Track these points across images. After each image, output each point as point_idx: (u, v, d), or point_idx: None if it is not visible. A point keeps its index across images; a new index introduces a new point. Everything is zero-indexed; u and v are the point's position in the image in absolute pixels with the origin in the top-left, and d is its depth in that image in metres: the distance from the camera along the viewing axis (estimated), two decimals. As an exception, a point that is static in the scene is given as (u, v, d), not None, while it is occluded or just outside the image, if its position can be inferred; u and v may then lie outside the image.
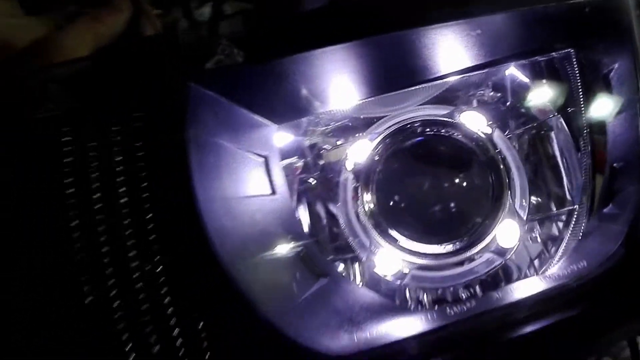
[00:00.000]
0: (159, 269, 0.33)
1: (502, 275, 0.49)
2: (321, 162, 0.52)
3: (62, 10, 0.50)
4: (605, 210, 0.41)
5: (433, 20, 0.39)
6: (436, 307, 0.44)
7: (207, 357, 0.32)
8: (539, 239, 0.49)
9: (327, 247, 0.49)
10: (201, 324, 0.32)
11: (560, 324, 0.37)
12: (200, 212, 0.34)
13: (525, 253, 0.49)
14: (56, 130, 0.35)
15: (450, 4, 0.40)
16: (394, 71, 0.43)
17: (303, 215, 0.50)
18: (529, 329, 0.37)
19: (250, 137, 0.41)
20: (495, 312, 0.39)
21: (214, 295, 0.33)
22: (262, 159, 0.42)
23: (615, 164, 0.41)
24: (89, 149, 0.35)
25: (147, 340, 0.33)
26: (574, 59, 0.44)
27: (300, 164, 0.52)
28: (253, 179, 0.41)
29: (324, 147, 0.52)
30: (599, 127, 0.43)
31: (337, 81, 0.42)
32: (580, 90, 0.44)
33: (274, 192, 0.42)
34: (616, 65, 0.40)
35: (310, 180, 0.52)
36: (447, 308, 0.39)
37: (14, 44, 0.46)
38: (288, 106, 0.42)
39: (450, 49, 0.42)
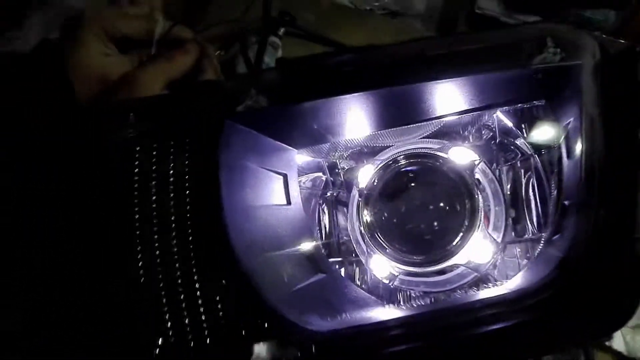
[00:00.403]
0: (189, 258, 0.46)
1: (481, 285, 0.58)
2: (340, 180, 0.64)
3: (145, 49, 0.64)
4: (554, 238, 0.49)
5: (433, 77, 0.49)
6: (415, 300, 0.54)
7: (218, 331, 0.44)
8: (516, 259, 0.58)
9: (335, 249, 0.60)
10: (217, 303, 0.45)
11: (503, 329, 0.46)
12: (224, 216, 0.46)
13: (504, 269, 0.58)
14: (129, 150, 0.49)
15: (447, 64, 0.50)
16: (399, 111, 0.54)
17: (320, 222, 0.62)
18: (482, 328, 0.47)
19: (272, 159, 0.53)
20: (457, 309, 0.49)
21: (228, 280, 0.45)
22: (281, 176, 0.54)
23: (565, 202, 0.49)
24: (151, 165, 0.48)
25: (177, 312, 0.46)
26: (547, 109, 0.53)
27: (323, 179, 0.64)
28: (272, 191, 0.53)
29: (343, 166, 0.64)
30: (559, 169, 0.51)
31: (349, 119, 0.53)
32: (549, 135, 0.53)
33: (289, 203, 0.54)
34: (572, 120, 0.49)
35: (329, 194, 0.63)
36: (419, 301, 0.50)
37: (109, 78, 0.60)
38: (306, 137, 0.54)
39: (446, 97, 0.52)
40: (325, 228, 0.61)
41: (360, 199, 0.57)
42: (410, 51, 0.48)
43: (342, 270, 0.59)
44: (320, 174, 0.63)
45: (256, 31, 0.76)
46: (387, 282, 0.56)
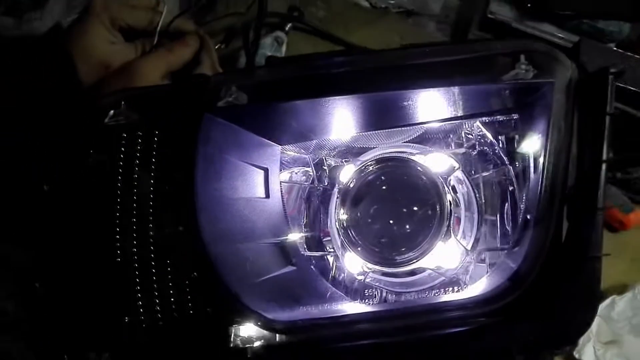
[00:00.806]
0: (163, 241, 0.49)
1: (451, 289, 0.60)
2: (325, 176, 0.66)
3: (147, 39, 0.67)
4: (514, 249, 0.51)
5: (412, 85, 0.51)
6: (378, 297, 0.57)
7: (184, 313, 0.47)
8: (486, 266, 0.59)
9: (314, 244, 0.63)
10: (185, 287, 0.48)
11: (458, 332, 0.48)
12: (196, 204, 0.49)
13: (474, 274, 0.59)
14: (118, 134, 0.53)
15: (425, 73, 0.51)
16: (380, 116, 0.56)
17: (301, 216, 0.64)
18: (438, 331, 0.49)
19: (254, 153, 0.56)
20: (415, 309, 0.51)
21: (196, 265, 0.48)
22: (262, 171, 0.57)
23: (528, 215, 0.50)
24: (135, 152, 0.51)
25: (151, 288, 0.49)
26: (520, 123, 0.54)
27: (311, 173, 0.66)
28: (251, 185, 0.55)
29: (330, 163, 0.66)
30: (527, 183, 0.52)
31: (329, 120, 0.55)
32: (522, 148, 0.54)
33: (267, 197, 0.57)
34: (540, 135, 0.50)
35: (314, 189, 0.66)
36: (380, 299, 0.52)
37: (112, 65, 0.64)
38: (287, 134, 0.57)
39: (425, 105, 0.54)
40: (307, 223, 0.64)
41: (339, 195, 0.60)
42: (393, 59, 0.50)
43: (319, 265, 0.61)
44: (307, 168, 0.66)
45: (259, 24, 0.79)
46: (358, 278, 0.59)
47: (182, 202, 0.49)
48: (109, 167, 0.52)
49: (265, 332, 0.49)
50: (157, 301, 0.50)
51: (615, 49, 0.89)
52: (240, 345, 0.49)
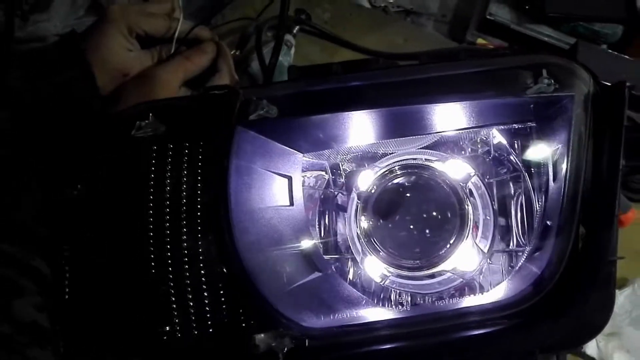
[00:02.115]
0: (197, 255, 0.50)
1: (467, 290, 0.62)
2: (341, 181, 0.67)
3: (164, 46, 0.67)
4: (534, 254, 0.53)
5: (434, 100, 0.52)
6: (404, 303, 0.59)
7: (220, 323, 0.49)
8: (501, 267, 0.62)
9: (332, 248, 0.65)
10: (220, 297, 0.49)
11: (483, 335, 0.51)
12: (231, 217, 0.50)
13: (489, 276, 0.62)
14: (147, 147, 0.53)
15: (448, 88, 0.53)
16: (401, 126, 0.57)
17: (319, 221, 0.66)
18: (461, 333, 0.51)
19: (278, 162, 0.57)
20: (440, 314, 0.53)
21: (232, 277, 0.50)
22: (286, 179, 0.58)
23: (548, 222, 0.53)
24: (166, 164, 0.52)
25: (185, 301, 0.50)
26: (539, 132, 0.56)
27: (326, 177, 0.67)
28: (276, 193, 0.57)
29: (345, 168, 0.67)
30: (546, 190, 0.55)
31: (354, 130, 0.56)
32: (540, 160, 0.56)
33: (292, 204, 0.58)
34: (560, 146, 0.52)
35: (330, 193, 0.67)
36: (408, 305, 0.54)
37: (129, 72, 0.64)
38: (311, 143, 0.58)
39: (445, 116, 0.55)
40: (324, 227, 0.65)
41: (359, 202, 0.61)
42: (416, 73, 0.51)
43: (337, 269, 0.63)
44: (322, 172, 0.67)
45: (271, 28, 0.79)
46: (379, 281, 0.61)
47: (216, 215, 0.50)
48: (139, 179, 0.52)
49: (298, 338, 0.51)
50: (192, 311, 0.51)
51: (610, 51, 0.92)
52: (273, 351, 0.50)
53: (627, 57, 0.88)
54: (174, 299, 0.51)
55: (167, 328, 0.51)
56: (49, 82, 0.59)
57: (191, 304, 0.51)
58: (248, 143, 0.53)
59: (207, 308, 0.51)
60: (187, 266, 0.51)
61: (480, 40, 0.97)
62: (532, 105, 0.53)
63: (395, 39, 0.88)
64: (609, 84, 0.52)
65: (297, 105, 0.52)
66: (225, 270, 0.50)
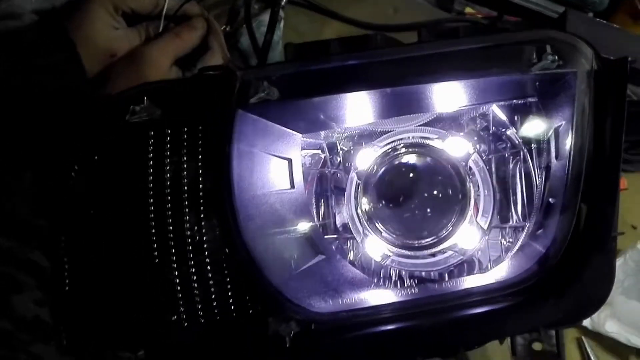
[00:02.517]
0: (201, 242, 0.49)
1: (466, 267, 0.63)
2: (338, 159, 0.67)
3: (152, 23, 0.64)
4: (537, 232, 0.54)
5: (436, 79, 0.51)
6: (407, 283, 0.59)
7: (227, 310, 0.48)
8: (500, 243, 0.62)
9: (331, 228, 0.64)
10: (226, 284, 0.48)
11: (485, 310, 0.51)
12: (234, 203, 0.49)
13: (487, 252, 0.62)
14: (144, 132, 0.51)
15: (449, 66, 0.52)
16: (402, 105, 0.56)
17: (318, 201, 0.65)
18: (464, 309, 0.52)
19: (278, 144, 0.56)
20: (444, 296, 0.53)
21: (237, 263, 0.49)
22: (286, 161, 0.57)
23: (550, 199, 0.53)
24: (165, 150, 0.50)
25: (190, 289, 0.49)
26: (539, 107, 0.56)
27: (322, 157, 0.66)
28: (277, 176, 0.55)
29: (342, 147, 0.66)
30: (547, 167, 0.55)
31: (355, 110, 0.55)
32: (541, 135, 0.56)
33: (292, 187, 0.57)
34: (563, 123, 0.52)
35: (328, 172, 0.66)
36: (413, 288, 0.54)
37: (116, 52, 0.61)
38: (312, 124, 0.57)
39: (446, 94, 0.54)
40: (322, 207, 0.65)
41: (359, 181, 0.61)
42: (416, 52, 0.50)
43: (338, 249, 0.62)
44: (319, 151, 0.66)
45: (259, 0, 0.77)
46: (380, 261, 0.60)
47: (220, 202, 0.49)
48: (137, 166, 0.51)
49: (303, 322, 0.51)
50: (198, 299, 0.50)
51: (598, 19, 0.92)
52: (280, 335, 0.50)
53: (615, 25, 0.89)
54: (179, 287, 0.50)
55: (171, 316, 0.50)
56: (31, 66, 0.56)
57: (197, 292, 0.50)
58: (249, 126, 0.51)
59: (213, 296, 0.50)
60: (191, 255, 0.50)
61: (468, 9, 0.96)
62: (532, 82, 0.52)
63: (385, 9, 0.86)
64: (612, 59, 0.52)
65: (298, 86, 0.51)
66: (231, 257, 0.50)
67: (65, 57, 0.58)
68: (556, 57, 0.50)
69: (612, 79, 0.51)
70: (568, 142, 0.51)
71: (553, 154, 0.53)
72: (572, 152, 0.50)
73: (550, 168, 0.54)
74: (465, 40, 0.51)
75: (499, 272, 0.54)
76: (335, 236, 0.64)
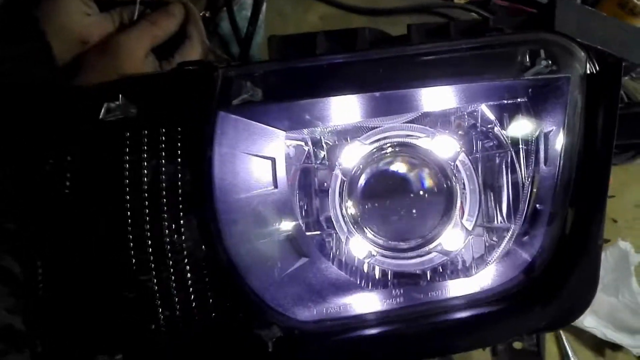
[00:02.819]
0: (181, 250, 0.47)
1: (450, 267, 0.62)
2: (322, 153, 0.65)
3: (125, 7, 0.61)
4: (523, 238, 0.53)
5: (426, 83, 0.49)
6: (392, 291, 0.58)
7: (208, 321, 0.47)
8: (483, 241, 0.62)
9: (315, 225, 0.63)
10: (207, 293, 0.47)
11: (470, 318, 0.51)
12: (216, 209, 0.47)
13: (471, 251, 0.62)
14: (120, 133, 0.49)
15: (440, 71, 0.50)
16: (390, 106, 0.54)
17: (299, 196, 0.63)
18: (449, 316, 0.52)
19: (262, 144, 0.53)
20: (430, 304, 0.53)
21: (219, 272, 0.47)
22: (269, 160, 0.55)
23: (538, 205, 0.52)
24: (142, 152, 0.48)
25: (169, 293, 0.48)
26: (529, 108, 0.54)
27: (305, 149, 0.64)
28: (260, 177, 0.53)
29: (326, 141, 0.64)
30: (534, 172, 0.54)
31: (341, 110, 0.53)
32: (528, 136, 0.55)
33: (276, 187, 0.55)
34: (554, 129, 0.51)
35: (311, 166, 0.64)
36: (398, 297, 0.53)
37: (88, 40, 0.57)
38: (296, 122, 0.55)
39: (436, 97, 0.53)
40: (305, 203, 0.63)
41: (344, 179, 0.59)
42: (408, 54, 0.48)
43: (323, 247, 0.61)
44: (302, 143, 0.64)
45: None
46: (364, 260, 0.59)
47: (201, 208, 0.47)
48: (112, 169, 0.48)
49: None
50: (177, 305, 0.49)
51: (586, 7, 0.90)
52: (262, 341, 0.49)
53: (603, 14, 0.87)
54: (157, 292, 0.49)
55: (153, 322, 0.49)
56: (-1, 56, 0.53)
57: (176, 297, 0.49)
58: (230, 127, 0.49)
59: (194, 304, 0.49)
60: (170, 259, 0.48)
61: (456, -8, 0.93)
62: (526, 86, 0.51)
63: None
64: (607, 61, 0.50)
65: (282, 88, 0.49)
66: (212, 263, 0.48)
67: (35, 46, 0.54)
68: (549, 62, 0.49)
69: (605, 82, 0.50)
70: (558, 149, 0.50)
71: (542, 159, 0.52)
72: (561, 159, 0.50)
73: (538, 173, 0.53)
74: (457, 43, 0.49)
75: (485, 280, 0.53)
76: (318, 232, 0.63)
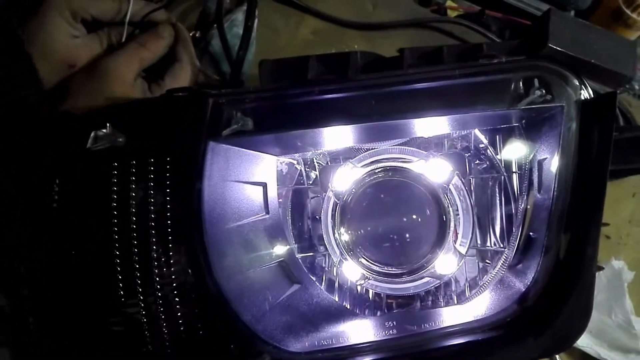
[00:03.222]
0: (170, 283, 0.46)
1: (443, 290, 0.62)
2: (314, 174, 0.64)
3: (113, 29, 0.59)
4: (517, 266, 0.53)
5: (421, 114, 0.49)
6: (385, 312, 0.58)
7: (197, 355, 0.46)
8: (476, 263, 0.62)
9: (307, 246, 0.62)
10: (197, 327, 0.46)
11: (463, 348, 0.51)
12: (205, 242, 0.47)
13: (465, 273, 0.61)
14: (107, 163, 0.48)
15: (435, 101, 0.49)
16: (382, 133, 0.54)
17: (292, 218, 0.63)
18: (443, 345, 0.51)
19: (253, 170, 0.53)
20: (423, 335, 0.52)
21: (209, 305, 0.47)
22: (261, 186, 0.54)
23: (531, 233, 0.52)
24: (130, 183, 0.47)
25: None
26: (522, 134, 0.54)
27: (298, 168, 0.63)
28: (252, 205, 0.53)
29: (319, 162, 0.64)
30: (528, 197, 0.53)
31: (333, 137, 0.52)
32: (522, 161, 0.54)
33: (267, 213, 0.55)
34: (547, 157, 0.50)
35: (303, 187, 0.64)
36: (392, 329, 0.53)
37: (76, 62, 0.56)
38: (287, 148, 0.54)
39: (429, 125, 0.52)
40: (297, 225, 0.62)
41: (337, 201, 0.58)
42: (400, 84, 0.47)
43: (314, 271, 0.61)
44: (294, 162, 0.63)
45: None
46: (357, 283, 0.59)
47: (189, 239, 0.47)
48: (100, 197, 0.47)
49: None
50: (167, 338, 0.48)
51: (580, 20, 0.90)
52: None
53: (597, 26, 0.87)
54: (146, 326, 0.48)
55: (142, 357, 0.48)
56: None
57: (165, 330, 0.48)
58: (220, 157, 0.49)
59: (183, 335, 0.48)
60: (159, 292, 0.47)
61: (449, 3, 0.92)
62: (520, 115, 0.50)
63: (364, 5, 0.82)
64: (601, 93, 0.50)
65: (273, 118, 0.48)
66: (202, 296, 0.47)
67: (21, 69, 0.53)
68: (544, 92, 0.48)
69: (600, 110, 0.49)
70: (551, 176, 0.50)
71: (535, 187, 0.52)
72: (555, 188, 0.49)
73: (531, 200, 0.53)
74: (451, 74, 0.48)
75: (478, 309, 0.53)
76: (311, 254, 0.62)
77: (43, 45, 0.55)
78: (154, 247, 0.47)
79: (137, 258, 0.47)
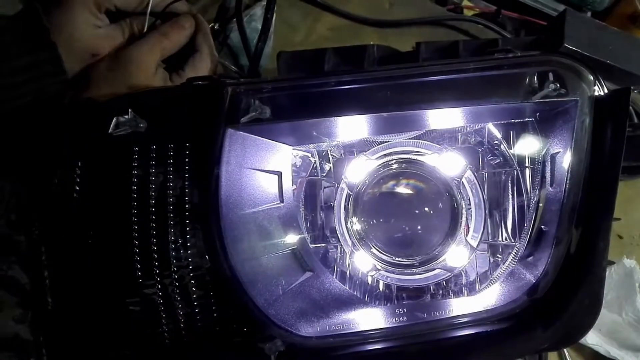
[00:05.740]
0: (186, 266, 0.48)
1: (453, 282, 0.62)
2: (328, 166, 0.65)
3: (135, 19, 0.61)
4: (528, 259, 0.53)
5: (435, 105, 0.50)
6: (394, 302, 0.59)
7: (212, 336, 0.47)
8: (487, 257, 0.62)
9: (320, 237, 0.63)
10: (212, 309, 0.47)
11: (472, 338, 0.51)
12: (222, 227, 0.48)
13: (475, 266, 0.62)
14: (128, 148, 0.49)
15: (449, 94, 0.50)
16: (397, 124, 0.55)
17: (305, 208, 0.63)
18: (452, 335, 0.52)
19: (268, 158, 0.54)
20: (433, 323, 0.53)
21: (224, 288, 0.48)
22: (276, 175, 0.55)
23: (543, 226, 0.52)
24: (149, 167, 0.48)
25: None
26: (536, 128, 0.54)
27: (312, 160, 0.64)
28: (267, 193, 0.54)
29: (332, 154, 0.65)
30: (540, 192, 0.54)
31: (348, 127, 0.53)
32: (535, 156, 0.55)
33: (282, 201, 0.56)
34: (560, 151, 0.51)
35: (317, 179, 0.65)
36: (402, 316, 0.54)
37: (99, 51, 0.58)
38: (303, 138, 0.55)
39: (443, 117, 0.53)
40: (310, 216, 0.63)
41: (350, 193, 0.59)
42: (415, 78, 0.48)
43: (326, 261, 0.61)
44: (308, 154, 0.64)
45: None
46: (368, 273, 0.60)
47: (207, 225, 0.48)
48: (120, 182, 0.49)
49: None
50: (181, 317, 0.49)
51: (596, 20, 0.90)
52: (265, 354, 0.50)
53: (613, 27, 0.87)
54: (162, 307, 0.49)
55: (157, 338, 0.50)
56: (9, 68, 0.53)
57: (180, 312, 0.49)
58: (238, 145, 0.50)
59: (198, 317, 0.49)
60: (175, 275, 0.49)
61: (466, 2, 0.93)
62: (534, 108, 0.51)
63: (381, 2, 0.83)
64: (614, 89, 0.50)
65: (290, 107, 0.49)
66: (217, 279, 0.48)
67: (46, 58, 0.54)
68: (558, 85, 0.49)
69: (613, 106, 0.50)
70: (564, 171, 0.50)
71: (548, 180, 0.52)
72: (568, 182, 0.50)
73: (544, 194, 0.53)
74: (466, 67, 0.49)
75: (488, 300, 0.53)
76: (323, 244, 0.63)
77: (68, 35, 0.56)
78: (172, 230, 0.48)
79: (155, 240, 0.48)
